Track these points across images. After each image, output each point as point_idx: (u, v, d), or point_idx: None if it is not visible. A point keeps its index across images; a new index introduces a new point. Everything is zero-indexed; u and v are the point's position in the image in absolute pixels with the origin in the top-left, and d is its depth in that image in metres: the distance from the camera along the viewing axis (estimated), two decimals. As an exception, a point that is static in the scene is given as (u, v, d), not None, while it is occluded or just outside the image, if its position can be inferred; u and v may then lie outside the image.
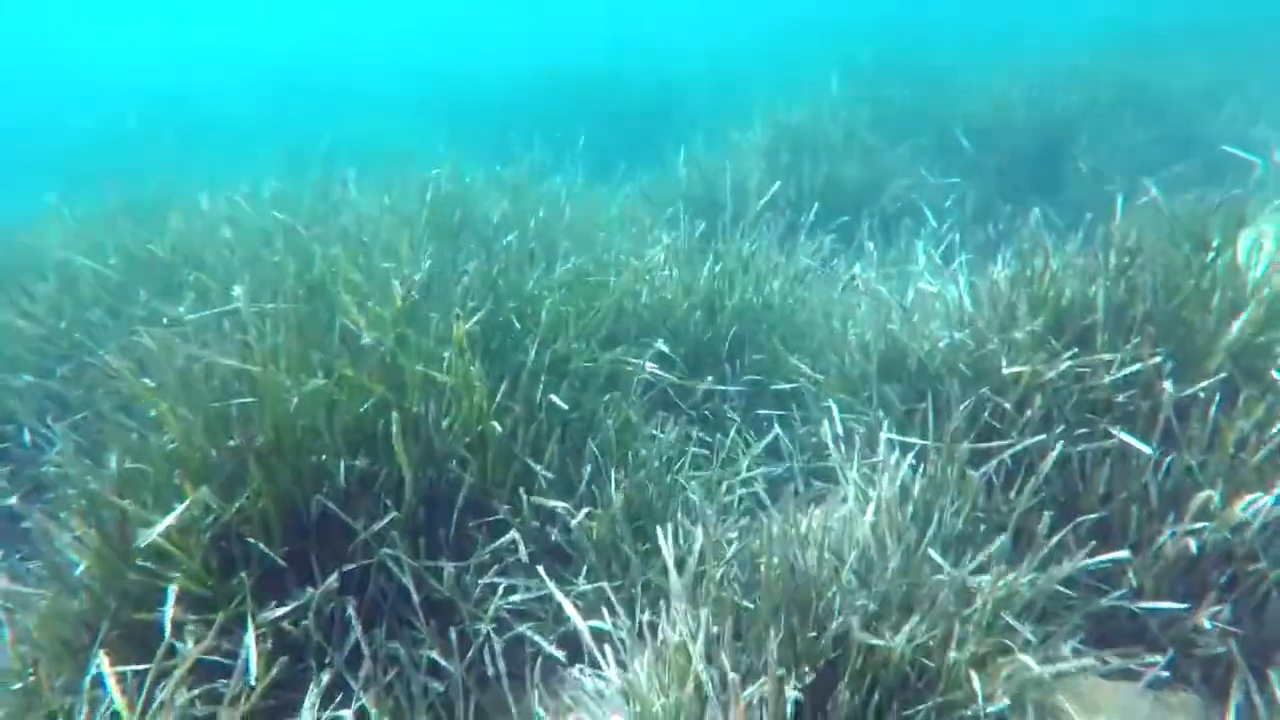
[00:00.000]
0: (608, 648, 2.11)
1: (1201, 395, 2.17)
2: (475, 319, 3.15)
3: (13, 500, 2.41)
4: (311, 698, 1.98)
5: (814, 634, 1.96)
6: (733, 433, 3.12)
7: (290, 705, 2.07)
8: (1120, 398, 2.28)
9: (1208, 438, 2.14)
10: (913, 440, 2.51)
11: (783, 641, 1.96)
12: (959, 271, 3.28)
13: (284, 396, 2.40)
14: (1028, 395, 2.38)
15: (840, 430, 2.97)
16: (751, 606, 2.27)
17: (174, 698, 1.84)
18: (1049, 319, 2.50)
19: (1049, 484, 2.27)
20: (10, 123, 12.33)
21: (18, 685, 2.00)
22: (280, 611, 2.05)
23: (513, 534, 2.41)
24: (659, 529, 2.38)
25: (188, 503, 2.00)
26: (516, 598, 2.52)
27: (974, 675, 1.80)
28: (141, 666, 1.93)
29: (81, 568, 2.00)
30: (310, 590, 2.21)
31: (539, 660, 2.45)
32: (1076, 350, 2.38)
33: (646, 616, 2.11)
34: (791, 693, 1.82)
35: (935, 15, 14.25)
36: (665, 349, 3.28)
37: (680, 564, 2.57)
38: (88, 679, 1.91)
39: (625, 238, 4.34)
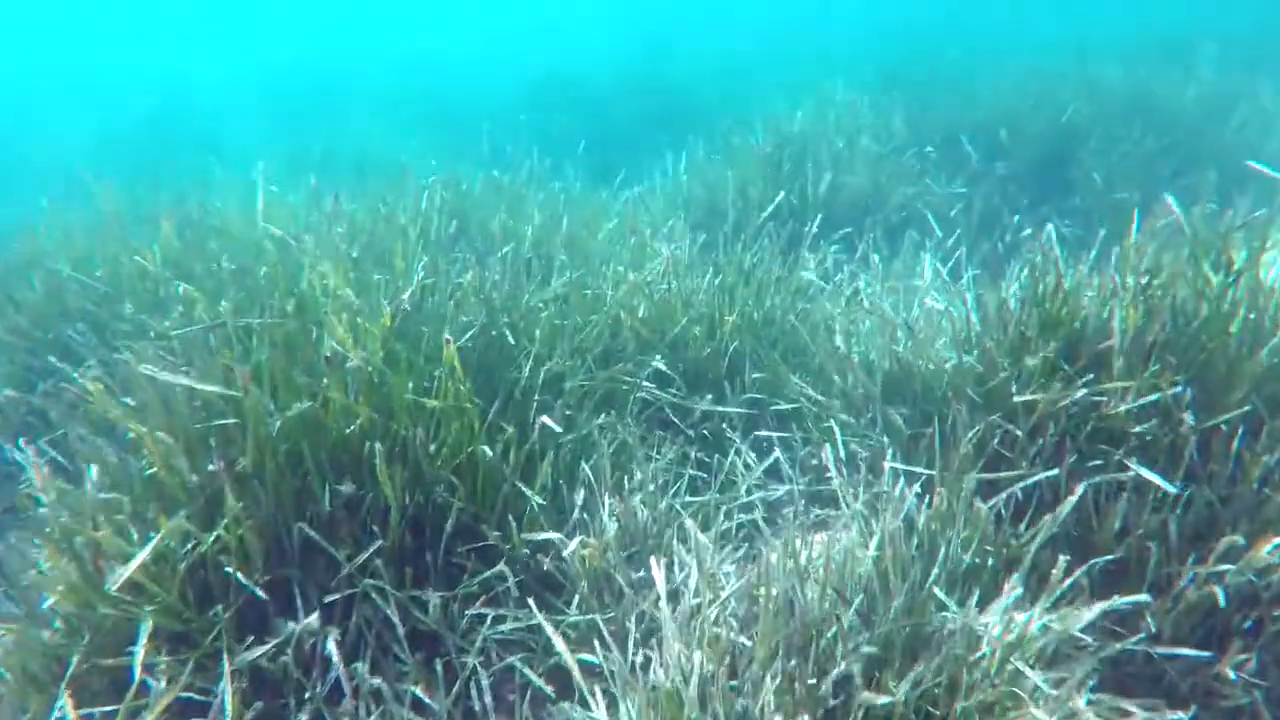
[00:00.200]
0: (598, 686, 2.02)
1: (1224, 428, 2.07)
2: (468, 335, 3.06)
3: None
4: (288, 740, 1.90)
5: (814, 680, 1.86)
6: (732, 454, 3.03)
7: (267, 746, 1.99)
8: (1137, 428, 2.18)
9: (1230, 473, 2.04)
10: (918, 470, 2.41)
11: (780, 687, 1.86)
12: (966, 287, 3.18)
13: (267, 419, 2.31)
14: (1040, 423, 2.28)
15: (843, 454, 2.87)
16: (748, 643, 2.18)
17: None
18: (1062, 343, 2.41)
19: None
20: (12, 124, 12.29)
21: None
22: (258, 651, 1.97)
23: (502, 566, 2.32)
24: (653, 560, 2.29)
25: (160, 536, 1.92)
26: (506, 627, 2.43)
27: (983, 727, 1.70)
28: (110, 708, 1.85)
29: (49, 601, 1.91)
30: (291, 625, 2.13)
31: (528, 693, 2.36)
32: (1092, 376, 2.28)
33: (639, 657, 2.02)
34: (790, 744, 1.73)
35: (942, 20, 14.14)
36: (663, 367, 3.19)
37: (675, 594, 2.49)
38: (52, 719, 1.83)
39: (624, 248, 4.25)
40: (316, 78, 13.83)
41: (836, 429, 2.86)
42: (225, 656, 1.94)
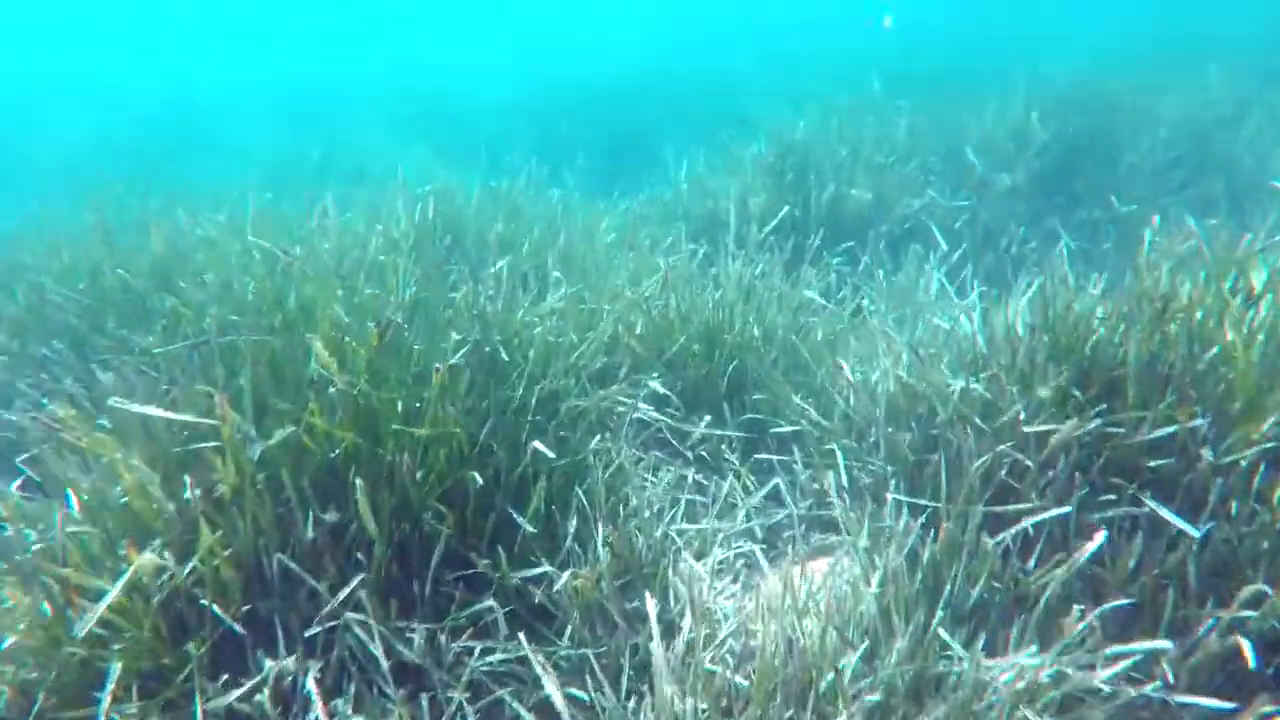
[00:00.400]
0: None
1: (1243, 464, 1.97)
2: (461, 353, 2.98)
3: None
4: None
5: (814, 729, 1.77)
6: (730, 478, 2.94)
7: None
8: (1152, 462, 2.09)
9: (1250, 511, 1.95)
10: (922, 502, 2.32)
11: (779, 736, 1.77)
12: (971, 305, 3.09)
13: (247, 446, 2.23)
14: (1050, 455, 2.19)
15: (845, 480, 2.78)
16: (745, 683, 2.09)
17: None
18: (1073, 371, 2.32)
19: (1070, 553, 2.07)
20: (13, 124, 12.25)
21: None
22: (233, 695, 1.88)
23: (490, 601, 2.23)
24: (647, 594, 2.20)
25: (129, 573, 1.83)
26: (495, 658, 2.35)
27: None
28: (75, 754, 1.77)
29: (9, 641, 1.83)
30: (269, 663, 2.04)
31: (517, 729, 2.27)
32: (1105, 406, 2.19)
33: (632, 704, 1.93)
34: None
35: (949, 29, 14.06)
36: (660, 388, 3.10)
37: (670, 627, 2.40)
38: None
39: (622, 262, 4.16)
40: (319, 84, 13.79)
41: (839, 453, 2.78)
42: (198, 698, 1.85)
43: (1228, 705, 1.71)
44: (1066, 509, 2.02)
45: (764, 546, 2.66)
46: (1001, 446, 2.26)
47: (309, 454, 2.38)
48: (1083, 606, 1.67)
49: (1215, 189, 5.68)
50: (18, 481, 2.63)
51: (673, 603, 2.42)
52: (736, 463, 3.04)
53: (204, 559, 2.06)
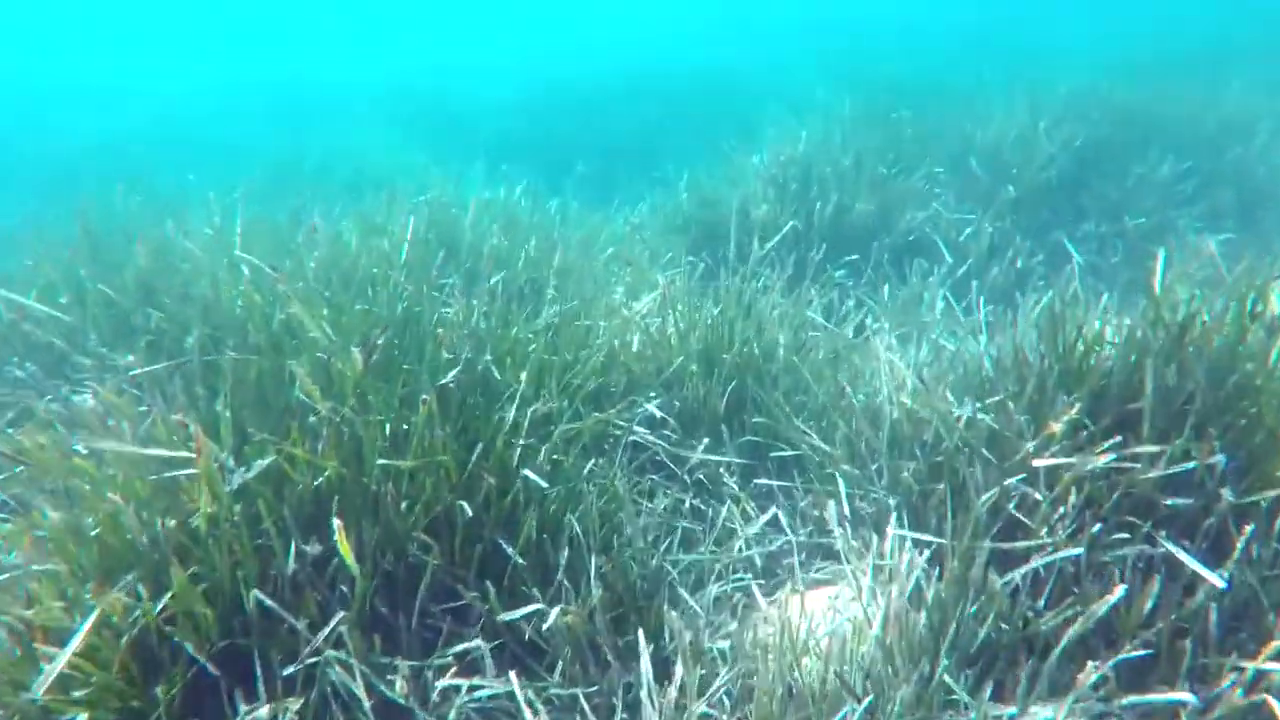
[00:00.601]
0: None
1: (1264, 505, 1.88)
2: (451, 373, 2.89)
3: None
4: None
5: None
6: (729, 503, 2.85)
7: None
8: (1169, 500, 1.99)
9: (1274, 553, 1.85)
10: (927, 538, 2.23)
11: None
12: (977, 325, 3.00)
13: (225, 476, 2.14)
14: (1062, 491, 2.10)
15: (847, 509, 2.69)
16: (742, 729, 2.01)
17: None
18: (1085, 400, 2.22)
19: (1082, 594, 1.98)
20: (13, 124, 12.20)
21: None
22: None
23: (479, 640, 2.14)
24: (640, 632, 2.11)
25: (95, 616, 1.74)
26: (483, 694, 2.26)
27: None
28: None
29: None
30: (244, 707, 1.95)
31: (505, 771, 2.18)
32: (1119, 439, 2.10)
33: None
34: None
35: (954, 37, 13.96)
36: (658, 412, 3.01)
37: (665, 663, 2.31)
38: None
39: (619, 278, 4.08)
40: (319, 84, 13.72)
41: (840, 481, 2.68)
42: (167, 745, 1.77)
43: (1252, 766, 1.62)
44: (1078, 550, 1.92)
45: (762, 581, 2.56)
46: (1009, 481, 2.17)
47: (290, 483, 2.30)
48: (1096, 663, 1.58)
49: (1226, 201, 5.58)
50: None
51: (668, 639, 2.33)
52: (735, 487, 2.95)
53: (177, 597, 1.97)
